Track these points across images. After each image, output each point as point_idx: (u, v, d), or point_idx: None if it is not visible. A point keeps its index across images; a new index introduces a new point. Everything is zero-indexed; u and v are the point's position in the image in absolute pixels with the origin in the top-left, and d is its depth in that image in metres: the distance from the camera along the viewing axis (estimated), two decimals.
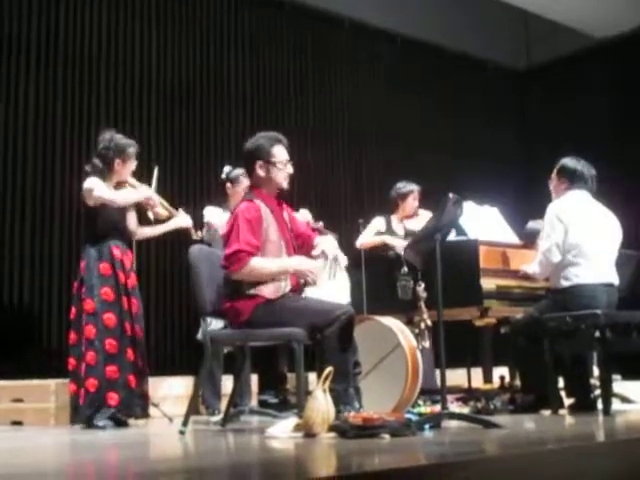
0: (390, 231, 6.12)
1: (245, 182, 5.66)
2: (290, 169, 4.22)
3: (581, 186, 4.84)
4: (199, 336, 5.49)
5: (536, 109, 9.35)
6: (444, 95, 8.79)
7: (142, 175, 5.09)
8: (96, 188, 4.72)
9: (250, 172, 4.24)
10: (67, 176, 6.23)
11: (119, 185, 4.91)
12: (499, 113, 9.24)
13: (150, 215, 4.99)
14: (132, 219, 5.00)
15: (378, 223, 6.14)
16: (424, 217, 5.96)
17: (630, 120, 8.32)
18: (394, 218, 6.21)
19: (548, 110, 9.12)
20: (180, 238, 5.46)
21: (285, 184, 4.21)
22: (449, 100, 8.80)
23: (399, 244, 5.68)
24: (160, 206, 5.00)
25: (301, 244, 4.25)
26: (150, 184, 5.06)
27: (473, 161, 8.49)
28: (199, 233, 5.32)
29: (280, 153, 4.20)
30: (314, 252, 4.20)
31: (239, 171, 5.70)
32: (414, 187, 6.23)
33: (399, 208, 6.20)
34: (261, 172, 4.17)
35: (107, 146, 4.83)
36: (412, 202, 6.20)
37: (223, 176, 5.75)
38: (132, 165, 4.91)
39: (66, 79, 6.52)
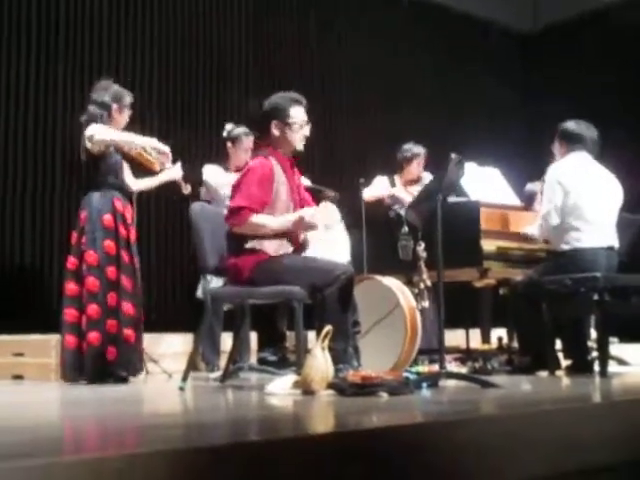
0: None
1: (246, 142, 5.63)
2: (307, 131, 4.18)
3: (581, 148, 4.82)
4: (199, 294, 5.52)
5: (541, 72, 9.26)
6: (449, 56, 8.71)
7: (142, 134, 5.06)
8: (97, 133, 4.67)
9: (266, 131, 4.19)
10: (68, 127, 6.18)
11: None
12: (503, 75, 9.17)
13: (148, 157, 4.90)
14: (127, 172, 4.98)
15: (381, 182, 6.12)
16: (427, 180, 5.95)
17: (638, 84, 8.25)
18: (397, 179, 6.18)
19: (553, 73, 9.04)
20: (175, 190, 5.46)
21: (300, 146, 4.18)
22: (454, 61, 8.73)
23: (407, 198, 5.66)
24: (151, 156, 4.95)
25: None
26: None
27: (476, 122, 8.44)
28: (188, 187, 5.30)
29: (298, 114, 4.16)
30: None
31: (240, 130, 5.67)
32: (420, 151, 6.19)
33: (403, 171, 6.18)
34: (276, 132, 4.14)
35: (104, 92, 4.79)
36: (417, 166, 6.17)
37: (224, 134, 5.72)
38: (127, 115, 4.85)
39: (68, 27, 6.46)
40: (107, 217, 4.70)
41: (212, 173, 5.62)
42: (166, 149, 4.86)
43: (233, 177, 5.42)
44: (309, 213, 4.04)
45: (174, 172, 5.10)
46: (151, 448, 1.81)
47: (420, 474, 2.14)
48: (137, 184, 5.09)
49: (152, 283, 6.36)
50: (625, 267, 4.94)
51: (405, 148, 6.20)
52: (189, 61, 7.15)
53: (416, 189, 5.99)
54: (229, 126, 5.74)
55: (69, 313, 4.64)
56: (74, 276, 4.69)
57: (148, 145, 4.83)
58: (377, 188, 6.07)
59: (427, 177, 6.06)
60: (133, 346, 4.67)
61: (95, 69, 6.46)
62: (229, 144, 5.68)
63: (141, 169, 5.06)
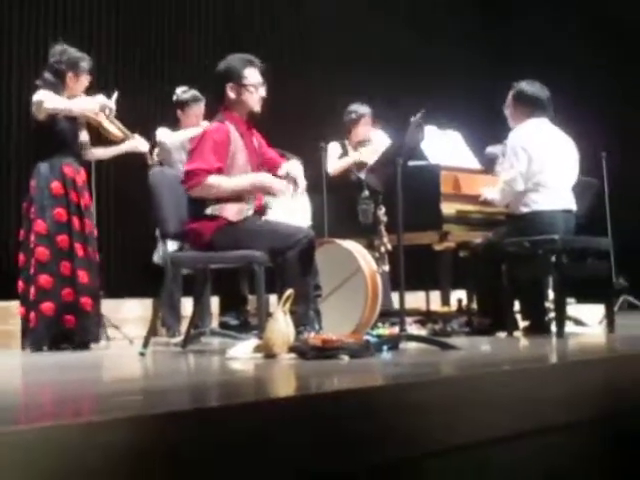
0: (346, 155, 6.06)
1: (195, 107, 5.54)
2: (263, 92, 4.14)
3: (540, 113, 4.84)
4: (155, 259, 5.48)
5: (504, 30, 9.19)
6: (404, 15, 8.63)
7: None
8: (46, 100, 4.55)
9: (221, 94, 4.15)
10: (24, 94, 6.05)
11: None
12: (462, 35, 9.11)
13: (109, 127, 4.83)
14: (84, 137, 4.88)
15: (335, 148, 6.07)
16: (378, 140, 5.92)
17: (596, 42, 8.24)
18: (348, 142, 6.12)
19: (516, 31, 8.96)
20: (140, 160, 5.38)
21: (257, 107, 4.14)
22: (409, 20, 8.64)
23: (370, 159, 5.62)
24: (114, 125, 4.88)
25: (268, 169, 4.20)
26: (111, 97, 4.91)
27: (436, 83, 8.39)
28: (154, 157, 5.24)
29: (252, 75, 4.12)
30: (279, 172, 4.17)
31: (189, 95, 5.57)
32: (366, 110, 6.11)
33: (352, 133, 6.11)
34: (232, 94, 4.10)
35: (59, 59, 4.66)
36: (364, 127, 6.09)
37: (174, 98, 5.63)
38: (85, 81, 4.74)
39: None
40: (55, 184, 4.60)
41: (165, 135, 5.54)
42: (111, 105, 4.77)
43: (185, 135, 5.39)
44: (265, 178, 4.03)
45: (138, 144, 5.00)
46: (110, 416, 1.79)
47: (381, 436, 2.15)
48: (94, 153, 4.98)
49: (111, 248, 6.29)
50: (582, 229, 5.00)
51: (350, 110, 6.10)
52: (147, 20, 7.00)
53: (366, 150, 5.96)
54: (179, 90, 5.62)
55: (19, 285, 4.61)
56: (22, 247, 4.63)
57: (95, 105, 4.72)
58: (336, 158, 6.01)
59: (377, 136, 6.02)
60: (90, 314, 4.60)
61: (50, 30, 6.31)
62: (178, 110, 5.60)
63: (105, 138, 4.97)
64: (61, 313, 4.49)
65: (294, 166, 4.21)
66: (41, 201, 4.58)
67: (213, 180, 3.96)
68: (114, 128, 4.88)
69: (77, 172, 4.73)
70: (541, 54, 8.17)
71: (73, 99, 4.70)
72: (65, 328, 4.50)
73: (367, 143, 6.04)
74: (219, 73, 4.15)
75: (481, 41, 9.21)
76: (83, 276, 4.58)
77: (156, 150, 5.51)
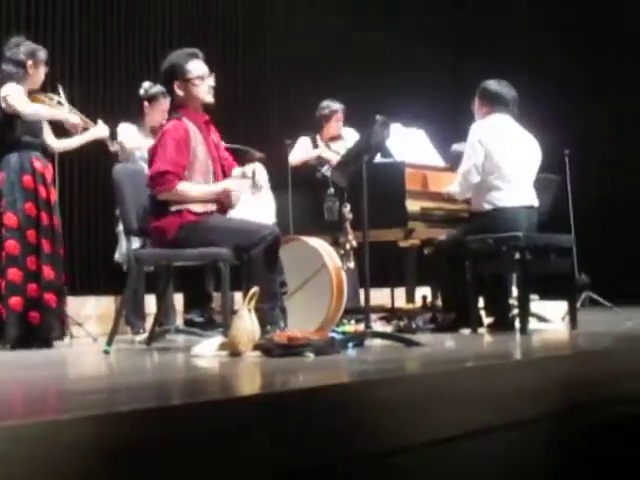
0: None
1: (163, 101, 5.51)
2: (211, 82, 4.13)
3: (503, 109, 4.89)
4: (117, 257, 5.45)
5: (469, 27, 9.23)
6: (370, 12, 8.64)
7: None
8: (11, 95, 4.54)
9: (171, 93, 4.15)
10: None
11: (31, 95, 4.71)
12: (428, 32, 9.14)
13: (69, 117, 4.81)
14: (49, 132, 4.87)
15: (304, 143, 6.09)
16: (349, 137, 5.95)
17: (558, 39, 8.31)
18: (319, 138, 6.15)
19: (480, 27, 9.00)
20: (103, 154, 5.34)
21: (209, 98, 4.13)
22: (375, 17, 8.65)
23: (334, 157, 5.64)
24: (75, 115, 4.86)
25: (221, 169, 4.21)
26: (61, 102, 4.88)
27: (402, 80, 8.41)
28: (115, 144, 5.21)
29: (196, 68, 4.10)
30: (233, 173, 4.19)
31: (158, 89, 5.54)
32: (338, 107, 6.15)
33: (324, 129, 6.15)
34: (180, 91, 4.09)
35: (17, 50, 4.65)
36: (336, 123, 6.14)
37: (141, 92, 5.59)
38: (42, 71, 4.73)
39: None
40: (27, 178, 4.58)
41: (127, 134, 5.50)
42: (77, 120, 4.78)
43: (147, 141, 5.34)
44: (234, 185, 4.04)
45: (98, 131, 4.98)
46: (74, 414, 1.78)
47: (345, 433, 2.16)
48: (59, 144, 4.96)
49: (74, 245, 6.23)
50: (545, 226, 5.06)
51: (323, 105, 6.15)
52: (110, 12, 6.93)
53: (338, 146, 5.99)
54: (146, 84, 5.61)
55: None
56: None
57: (61, 118, 4.74)
58: (301, 150, 6.05)
59: (348, 133, 6.05)
60: (55, 310, 4.57)
61: (13, 23, 6.23)
62: (146, 103, 5.56)
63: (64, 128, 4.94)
64: (27, 309, 4.45)
65: (253, 168, 4.20)
66: (12, 194, 4.54)
67: (183, 187, 3.95)
68: (75, 118, 4.86)
69: (45, 167, 4.71)
70: (505, 52, 8.22)
71: (32, 104, 4.67)
72: (30, 325, 4.46)
73: (339, 139, 6.07)
74: (164, 72, 4.15)
75: (446, 39, 9.25)
76: (49, 272, 4.55)
77: (118, 147, 5.45)
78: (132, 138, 5.46)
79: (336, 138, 6.12)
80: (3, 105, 4.56)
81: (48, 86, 5.02)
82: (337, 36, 8.22)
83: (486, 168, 4.77)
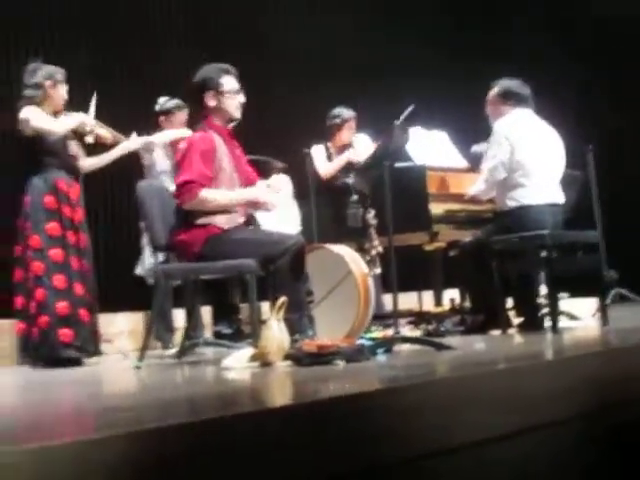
0: (330, 160, 6.06)
1: (180, 115, 5.57)
2: (242, 98, 4.18)
3: (523, 105, 4.87)
4: (138, 271, 5.49)
5: (485, 26, 9.18)
6: (386, 15, 8.64)
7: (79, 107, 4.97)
8: (32, 118, 4.60)
9: (200, 104, 4.18)
10: (6, 107, 6.02)
11: (58, 115, 4.79)
12: (446, 31, 9.11)
13: (90, 139, 4.86)
14: (75, 150, 4.91)
15: (319, 151, 6.07)
16: (360, 142, 5.94)
17: (577, 34, 8.27)
18: (331, 146, 6.12)
19: (497, 27, 8.97)
20: (128, 172, 5.39)
21: (238, 114, 4.19)
22: (394, 18, 8.64)
23: (362, 157, 5.62)
24: (104, 129, 4.91)
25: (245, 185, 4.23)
26: (89, 109, 4.92)
27: (419, 83, 8.40)
28: (147, 156, 5.27)
29: (230, 82, 4.16)
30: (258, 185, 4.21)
31: (173, 103, 5.60)
32: (351, 115, 6.11)
33: (336, 137, 6.11)
34: (212, 102, 4.13)
35: (34, 74, 4.71)
36: (348, 131, 6.10)
37: (157, 108, 5.64)
38: (63, 90, 4.78)
39: None
40: (49, 199, 4.64)
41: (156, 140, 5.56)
42: (103, 133, 4.82)
43: (171, 135, 5.42)
44: (261, 193, 4.05)
45: (130, 144, 5.04)
46: (109, 432, 1.80)
47: (379, 440, 2.16)
48: (90, 162, 5.00)
49: (100, 260, 6.27)
50: (570, 223, 5.02)
51: (334, 114, 6.10)
52: (121, 28, 6.98)
53: (352, 153, 5.96)
54: (162, 99, 5.67)
55: (17, 300, 4.63)
56: (20, 262, 4.66)
57: (78, 124, 4.77)
58: (324, 159, 6.02)
59: (359, 139, 6.04)
60: (88, 326, 4.63)
61: (22, 45, 6.29)
62: (162, 118, 5.62)
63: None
64: (56, 327, 4.49)
65: (278, 180, 4.23)
66: (35, 216, 4.61)
67: (207, 194, 3.97)
68: (105, 132, 4.92)
69: (70, 186, 4.76)
70: (523, 49, 8.19)
71: (55, 119, 4.74)
72: (61, 342, 4.49)
73: (349, 147, 6.05)
74: (196, 83, 4.19)
75: (462, 39, 9.23)
76: (79, 289, 4.60)
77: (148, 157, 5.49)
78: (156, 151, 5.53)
79: (347, 146, 6.09)
80: (24, 129, 4.61)
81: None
82: (351, 39, 8.23)
83: (511, 165, 4.74)
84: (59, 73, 4.79)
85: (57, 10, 6.60)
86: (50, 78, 4.72)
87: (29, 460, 1.58)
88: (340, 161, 5.95)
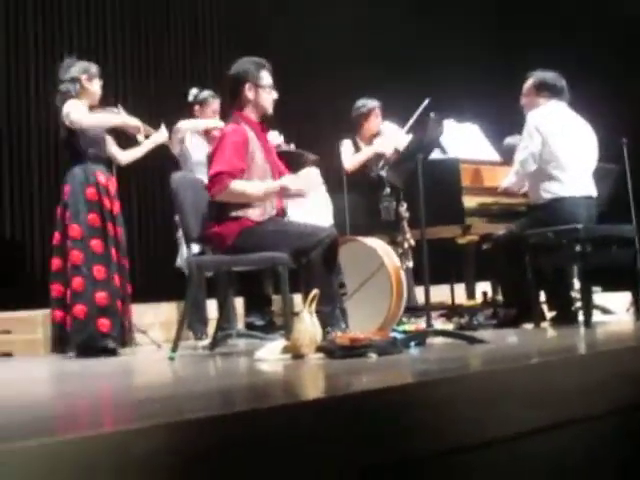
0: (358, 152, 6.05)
1: (213, 104, 5.63)
2: (275, 94, 4.21)
3: (557, 97, 4.84)
4: (178, 263, 5.53)
5: (518, 17, 9.11)
6: (418, 7, 8.60)
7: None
8: (73, 111, 4.65)
9: (237, 95, 4.19)
10: (42, 101, 6.11)
11: (93, 110, 4.83)
12: (476, 25, 9.06)
13: (141, 138, 4.93)
14: (111, 145, 4.97)
15: (347, 145, 6.07)
16: (387, 131, 5.93)
17: (612, 25, 8.18)
18: (360, 139, 6.11)
19: (530, 18, 8.89)
20: (164, 163, 5.45)
21: (271, 109, 4.21)
22: (423, 12, 8.61)
23: (388, 149, 5.62)
24: (134, 122, 4.97)
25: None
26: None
27: (452, 75, 8.36)
28: (177, 146, 5.33)
29: (267, 77, 4.19)
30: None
31: (207, 93, 5.66)
32: (374, 104, 6.09)
33: (363, 128, 6.09)
34: (250, 94, 4.15)
35: (69, 69, 4.78)
36: (375, 120, 6.08)
37: (190, 98, 5.70)
38: (98, 85, 4.83)
39: (36, 9, 6.35)
40: (90, 190, 4.68)
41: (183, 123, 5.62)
42: (136, 123, 4.87)
43: (205, 124, 5.48)
44: (291, 182, 4.06)
45: (160, 136, 5.10)
46: (146, 423, 1.82)
47: (411, 433, 2.17)
48: (125, 156, 5.06)
49: (134, 252, 6.34)
50: (604, 217, 4.99)
51: (359, 105, 6.08)
52: (160, 24, 7.05)
53: (378, 142, 5.94)
54: (195, 90, 5.74)
55: (55, 288, 4.64)
56: (58, 251, 4.68)
57: (120, 123, 4.83)
58: (351, 153, 6.02)
59: (386, 127, 6.02)
60: (124, 318, 4.69)
61: (66, 42, 6.38)
62: (196, 107, 5.68)
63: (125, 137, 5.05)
64: (95, 317, 4.53)
65: (308, 172, 4.23)
66: (76, 206, 4.65)
67: (238, 185, 3.98)
68: (135, 120, 4.97)
69: (109, 179, 4.82)
70: (557, 39, 8.12)
71: (95, 114, 4.80)
72: (99, 332, 4.54)
73: (377, 136, 6.04)
74: (235, 75, 4.19)
75: (496, 31, 9.17)
76: (117, 280, 4.66)
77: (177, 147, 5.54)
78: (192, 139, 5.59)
79: (375, 135, 6.08)
80: (67, 122, 4.68)
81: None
82: (383, 32, 8.20)
83: (544, 157, 4.72)
84: (93, 67, 4.86)
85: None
86: (85, 72, 4.78)
87: (69, 451, 1.61)
88: (364, 154, 5.94)
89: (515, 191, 4.97)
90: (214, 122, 5.51)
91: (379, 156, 5.83)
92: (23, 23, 6.31)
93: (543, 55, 6.31)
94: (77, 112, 4.66)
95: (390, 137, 5.83)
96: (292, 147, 5.22)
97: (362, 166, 5.90)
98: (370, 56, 8.10)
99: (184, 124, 5.55)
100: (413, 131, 4.76)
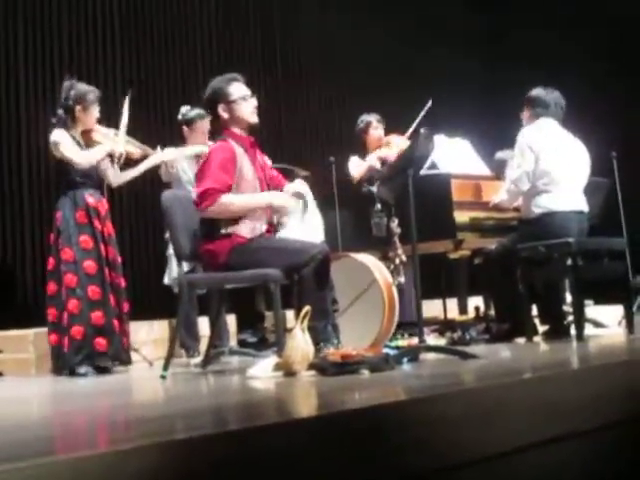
0: None
1: (202, 124, 5.54)
2: (254, 102, 4.18)
3: (547, 114, 4.87)
4: (166, 281, 5.51)
5: (510, 33, 9.16)
6: (410, 24, 8.65)
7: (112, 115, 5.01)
8: (61, 143, 4.70)
9: (215, 117, 4.20)
10: (33, 126, 6.09)
11: (86, 134, 4.86)
12: (464, 42, 9.12)
13: (116, 167, 4.93)
14: (108, 170, 4.96)
15: (356, 161, 6.09)
16: (395, 141, 5.97)
17: (602, 42, 8.22)
18: (367, 155, 6.13)
19: (521, 34, 8.94)
20: (155, 181, 5.44)
21: (254, 118, 4.17)
22: (416, 24, 8.65)
23: (392, 154, 5.65)
24: (132, 146, 4.96)
25: (272, 188, 4.23)
26: (117, 134, 4.97)
27: (440, 90, 8.40)
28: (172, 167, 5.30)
29: (238, 89, 4.16)
30: (284, 190, 4.21)
31: (195, 113, 5.56)
32: (371, 118, 6.17)
33: (366, 142, 6.15)
34: (225, 114, 4.14)
35: (67, 95, 4.79)
36: (374, 132, 6.14)
37: (179, 117, 5.64)
38: (95, 112, 4.86)
39: (27, 26, 6.34)
40: (80, 213, 4.74)
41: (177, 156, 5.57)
42: (131, 150, 4.88)
43: (193, 151, 5.42)
44: (278, 199, 4.05)
45: (158, 157, 5.11)
46: (138, 442, 1.81)
47: (406, 450, 2.16)
48: (120, 179, 5.06)
49: (125, 270, 6.31)
50: (595, 230, 4.99)
51: (358, 121, 6.20)
52: (151, 41, 7.06)
53: (387, 152, 5.97)
54: (184, 109, 5.64)
55: (50, 312, 4.72)
56: (53, 276, 4.76)
57: (104, 155, 4.84)
58: (358, 164, 6.04)
59: (394, 138, 6.07)
60: (120, 336, 4.71)
61: (56, 62, 6.37)
62: (185, 128, 5.59)
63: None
64: (92, 336, 4.57)
65: (299, 185, 4.24)
66: (67, 230, 4.71)
67: (226, 199, 3.98)
68: (133, 148, 4.97)
69: (98, 201, 4.86)
70: (548, 57, 8.17)
71: (89, 142, 4.84)
72: (96, 351, 4.58)
73: (384, 146, 6.07)
74: (207, 99, 4.21)
75: (485, 45, 9.22)
76: (112, 300, 4.71)
77: (162, 170, 5.50)
78: (182, 161, 5.53)
79: (380, 147, 6.10)
80: (54, 151, 4.71)
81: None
82: (376, 51, 8.24)
83: (536, 173, 4.73)
84: (91, 94, 4.83)
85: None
86: (80, 102, 4.77)
87: (62, 471, 1.59)
88: (369, 161, 5.97)
89: (507, 207, 4.98)
90: (200, 148, 5.30)
91: (384, 163, 5.85)
92: (14, 38, 6.28)
93: (535, 69, 6.35)
94: (67, 149, 4.69)
95: (393, 143, 5.90)
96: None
97: (365, 177, 5.92)
98: (361, 67, 8.13)
99: (168, 155, 5.44)
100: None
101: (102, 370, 4.60)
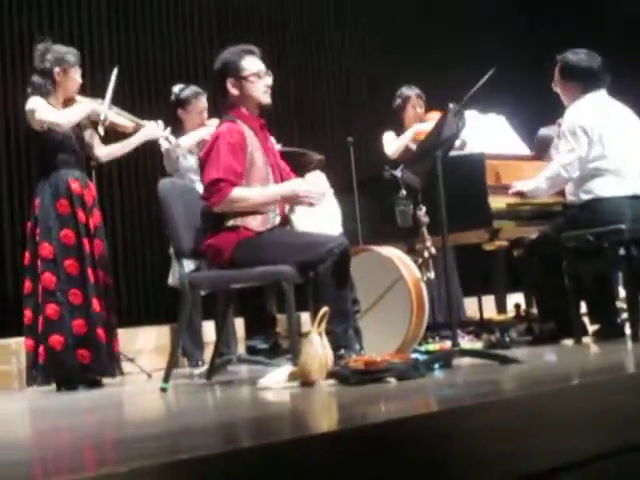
0: None
1: (198, 104, 5.51)
2: (268, 80, 4.16)
3: (595, 86, 4.79)
4: (170, 281, 5.52)
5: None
6: None
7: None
8: (38, 109, 4.61)
9: (224, 93, 4.18)
10: (9, 102, 6.09)
11: (67, 104, 4.79)
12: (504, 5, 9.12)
13: (101, 131, 4.87)
14: (94, 140, 4.91)
15: (390, 136, 6.07)
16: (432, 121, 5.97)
17: None
18: (403, 131, 6.12)
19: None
20: (147, 170, 5.43)
21: (266, 98, 4.16)
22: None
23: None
24: (121, 117, 4.93)
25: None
26: (106, 90, 4.92)
27: (473, 65, 8.39)
28: (169, 142, 5.25)
29: (251, 65, 4.14)
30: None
31: (189, 91, 5.54)
32: (410, 92, 6.16)
33: (404, 119, 6.14)
34: (235, 90, 4.13)
35: (43, 58, 4.71)
36: (412, 109, 6.14)
37: (172, 98, 5.60)
38: (76, 75, 4.78)
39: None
40: (62, 202, 4.65)
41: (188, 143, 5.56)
42: (120, 121, 4.85)
43: (194, 139, 5.40)
44: (301, 186, 4.04)
45: (151, 130, 5.03)
46: (137, 464, 1.81)
47: (439, 468, 2.16)
48: (109, 151, 5.00)
49: (119, 270, 6.34)
50: None
51: (396, 95, 6.21)
52: (141, 11, 7.08)
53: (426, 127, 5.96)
54: (176, 88, 5.58)
55: (26, 314, 4.64)
56: (29, 272, 4.67)
57: (84, 113, 4.76)
58: (392, 141, 6.03)
59: (434, 115, 6.06)
60: (106, 346, 4.64)
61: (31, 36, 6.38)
62: (179, 110, 5.57)
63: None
64: (73, 347, 4.51)
65: (317, 179, 4.23)
66: (46, 222, 4.62)
67: (239, 193, 3.97)
68: (123, 120, 4.93)
69: (84, 187, 4.76)
70: (588, 14, 8.14)
71: (63, 109, 4.75)
72: (78, 364, 4.52)
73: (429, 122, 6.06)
74: (217, 70, 4.19)
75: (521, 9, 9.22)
76: (96, 304, 4.61)
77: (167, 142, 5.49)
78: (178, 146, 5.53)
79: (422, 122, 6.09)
80: (31, 122, 4.64)
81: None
82: (399, 25, 8.25)
83: (589, 157, 4.69)
84: (71, 54, 4.77)
85: None
86: (60, 64, 4.70)
87: None
88: (405, 138, 5.97)
89: (542, 195, 4.93)
90: (207, 130, 5.28)
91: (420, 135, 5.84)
92: None
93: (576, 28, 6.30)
94: (44, 111, 4.60)
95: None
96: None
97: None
98: (383, 45, 8.14)
99: (184, 141, 5.42)
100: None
101: (92, 383, 4.58)
